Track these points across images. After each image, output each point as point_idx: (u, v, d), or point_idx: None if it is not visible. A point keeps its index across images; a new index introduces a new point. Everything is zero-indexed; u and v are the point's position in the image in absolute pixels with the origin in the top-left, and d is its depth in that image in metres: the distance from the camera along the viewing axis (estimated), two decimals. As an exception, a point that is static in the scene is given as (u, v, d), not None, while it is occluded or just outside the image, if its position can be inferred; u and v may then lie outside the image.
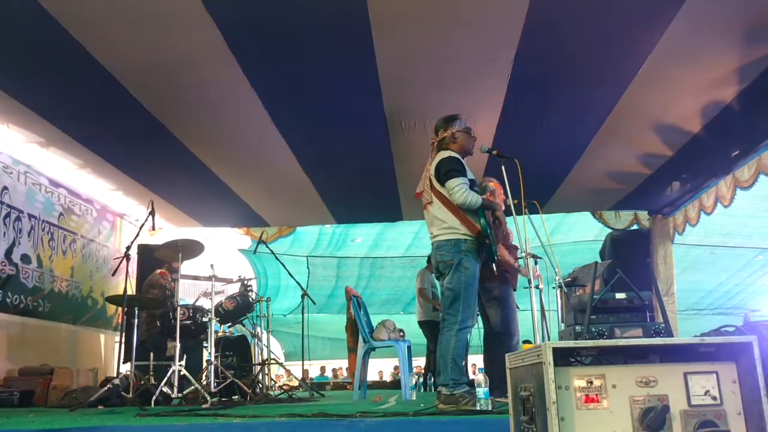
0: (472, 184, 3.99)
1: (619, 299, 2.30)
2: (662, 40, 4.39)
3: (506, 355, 1.82)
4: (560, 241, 9.94)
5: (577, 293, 9.67)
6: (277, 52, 4.49)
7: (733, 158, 6.49)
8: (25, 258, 6.07)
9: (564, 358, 1.59)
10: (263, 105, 5.24)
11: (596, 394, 1.51)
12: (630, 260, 8.63)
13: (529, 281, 4.15)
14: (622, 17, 4.21)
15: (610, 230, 8.80)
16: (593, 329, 2.09)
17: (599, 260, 9.19)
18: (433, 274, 4.23)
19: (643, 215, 8.55)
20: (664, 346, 1.55)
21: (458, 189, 3.84)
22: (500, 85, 5.03)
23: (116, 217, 7.98)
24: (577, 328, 2.22)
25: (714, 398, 1.50)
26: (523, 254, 4.11)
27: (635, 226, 8.62)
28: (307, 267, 10.59)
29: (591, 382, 1.52)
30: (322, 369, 15.40)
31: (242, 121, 5.60)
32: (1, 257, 5.74)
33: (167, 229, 8.55)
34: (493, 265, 3.98)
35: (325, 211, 8.10)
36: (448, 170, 3.94)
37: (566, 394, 1.51)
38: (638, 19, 4.22)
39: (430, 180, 4.01)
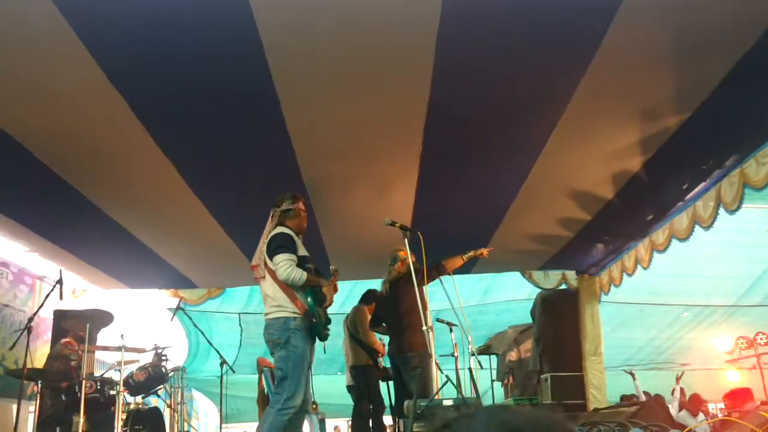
0: (305, 261, 4.02)
1: (447, 406, 2.30)
2: (564, 115, 4.55)
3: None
4: (493, 300, 10.04)
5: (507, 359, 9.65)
6: (188, 127, 4.51)
7: (648, 222, 6.72)
8: (-70, 326, 5.81)
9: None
10: (181, 176, 5.20)
11: None
12: (560, 319, 8.80)
13: (430, 355, 4.14)
14: (522, 92, 4.33)
15: (540, 289, 8.93)
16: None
17: (531, 320, 9.31)
18: None
19: (571, 275, 8.70)
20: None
21: (282, 264, 3.90)
22: (414, 156, 5.12)
23: (35, 279, 7.72)
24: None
25: None
26: (425, 327, 4.11)
27: (564, 285, 8.76)
28: (240, 324, 10.38)
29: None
30: (251, 435, 14.86)
31: (161, 188, 5.52)
32: None
33: (92, 291, 8.32)
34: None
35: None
36: (277, 246, 4.00)
37: None
38: (539, 93, 4.36)
39: (265, 256, 4.05)
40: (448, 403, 2.26)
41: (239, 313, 10.25)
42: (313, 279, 4.03)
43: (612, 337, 9.79)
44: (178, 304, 6.81)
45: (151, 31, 3.51)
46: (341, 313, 10.25)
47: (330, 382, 11.11)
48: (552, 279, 8.77)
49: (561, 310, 8.73)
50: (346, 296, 9.79)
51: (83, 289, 8.25)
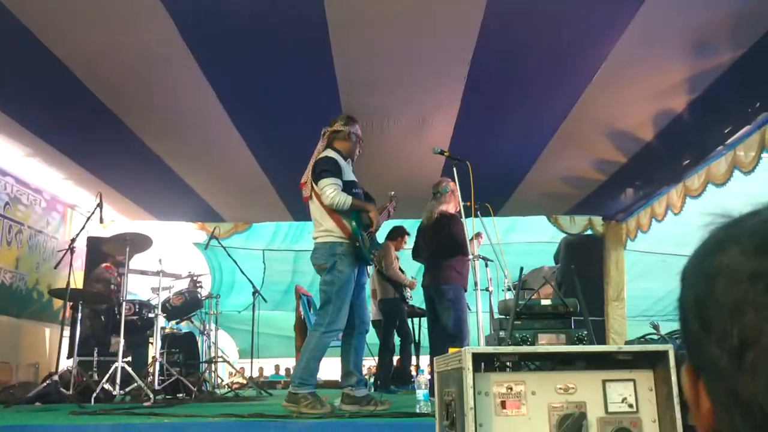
0: (352, 186, 4.01)
1: (545, 305, 2.29)
2: (615, 49, 4.45)
3: (434, 358, 1.81)
4: (515, 240, 10.03)
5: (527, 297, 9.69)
6: (232, 49, 4.44)
7: (684, 167, 6.63)
8: (-33, 248, 5.88)
9: (488, 363, 1.59)
10: (220, 102, 5.16)
11: (515, 401, 1.51)
12: (584, 264, 8.80)
13: (476, 284, 4.17)
14: (576, 25, 4.24)
15: (564, 234, 8.92)
16: (517, 335, 2.09)
17: (553, 263, 9.31)
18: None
19: (597, 221, 8.69)
20: (583, 353, 1.56)
21: (326, 189, 3.88)
22: (457, 88, 5.04)
23: (67, 207, 7.79)
24: (500, 333, 2.22)
25: (630, 405, 1.52)
26: (471, 257, 4.12)
27: (589, 231, 8.75)
28: (263, 262, 10.43)
29: (511, 389, 1.52)
30: (276, 367, 15.28)
31: (200, 117, 5.51)
32: (-59, 247, 5.56)
33: (120, 222, 8.38)
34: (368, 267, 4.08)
35: (282, 208, 8.02)
36: (321, 170, 3.97)
37: (485, 400, 1.50)
38: (592, 27, 4.27)
39: (311, 178, 4.03)
40: (546, 302, 2.25)
41: (263, 250, 10.30)
42: (359, 203, 4.00)
43: (631, 287, 9.79)
44: (212, 233, 6.84)
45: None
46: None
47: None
48: (578, 224, 8.75)
49: (585, 256, 8.74)
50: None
51: (111, 219, 8.31)
